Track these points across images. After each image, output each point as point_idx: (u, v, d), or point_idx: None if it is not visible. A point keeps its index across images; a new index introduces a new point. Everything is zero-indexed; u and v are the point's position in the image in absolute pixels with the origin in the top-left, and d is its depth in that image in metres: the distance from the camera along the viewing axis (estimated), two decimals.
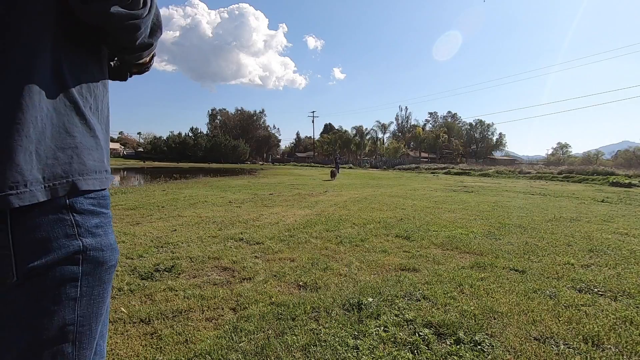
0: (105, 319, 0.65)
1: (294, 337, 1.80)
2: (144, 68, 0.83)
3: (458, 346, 1.74)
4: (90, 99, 0.60)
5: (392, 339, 1.80)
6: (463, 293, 2.40)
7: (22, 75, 0.48)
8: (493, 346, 1.74)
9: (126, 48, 0.62)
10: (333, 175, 16.38)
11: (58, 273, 0.53)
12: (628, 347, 1.75)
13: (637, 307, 2.22)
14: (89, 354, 0.60)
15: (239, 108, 79.68)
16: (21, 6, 0.49)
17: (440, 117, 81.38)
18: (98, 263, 0.58)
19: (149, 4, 0.59)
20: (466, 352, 1.69)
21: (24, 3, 0.49)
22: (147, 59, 0.78)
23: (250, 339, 1.79)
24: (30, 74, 0.49)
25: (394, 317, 2.02)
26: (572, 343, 1.78)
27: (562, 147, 76.74)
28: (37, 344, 0.52)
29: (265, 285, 2.52)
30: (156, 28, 0.65)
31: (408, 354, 1.67)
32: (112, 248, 0.62)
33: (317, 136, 77.76)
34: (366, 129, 69.07)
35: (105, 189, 0.62)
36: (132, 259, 3.08)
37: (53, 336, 0.54)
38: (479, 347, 1.73)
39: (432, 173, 27.06)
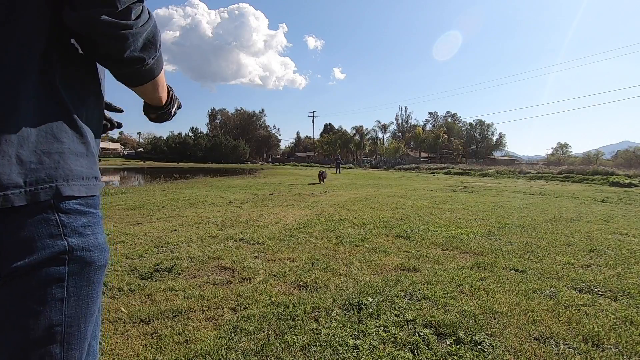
0: (97, 319, 0.65)
1: (294, 337, 1.80)
2: (161, 112, 0.81)
3: (458, 346, 1.74)
4: (82, 107, 0.59)
5: (392, 339, 1.80)
6: (463, 293, 2.41)
7: (6, 80, 0.48)
8: (493, 346, 1.74)
9: (110, 55, 0.59)
10: (322, 177, 13.58)
11: (43, 273, 0.52)
12: (628, 347, 1.75)
13: (637, 307, 2.22)
14: (79, 354, 0.59)
15: (239, 108, 79.90)
16: (13, 12, 0.49)
17: (440, 117, 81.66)
18: (85, 263, 0.58)
19: (143, 18, 0.57)
20: (466, 352, 1.69)
21: (16, 9, 0.49)
22: (162, 98, 0.76)
23: (250, 339, 1.79)
24: (16, 79, 0.49)
25: (394, 317, 2.02)
26: (572, 343, 1.78)
27: (562, 147, 76.75)
28: (24, 345, 0.52)
29: (265, 285, 2.52)
30: (150, 44, 0.62)
31: (408, 354, 1.67)
32: (101, 248, 0.61)
33: (317, 136, 77.97)
34: (366, 129, 69.12)
35: (94, 195, 0.61)
36: (132, 259, 3.08)
37: (40, 337, 0.53)
38: (479, 347, 1.73)
39: (432, 173, 27.06)
